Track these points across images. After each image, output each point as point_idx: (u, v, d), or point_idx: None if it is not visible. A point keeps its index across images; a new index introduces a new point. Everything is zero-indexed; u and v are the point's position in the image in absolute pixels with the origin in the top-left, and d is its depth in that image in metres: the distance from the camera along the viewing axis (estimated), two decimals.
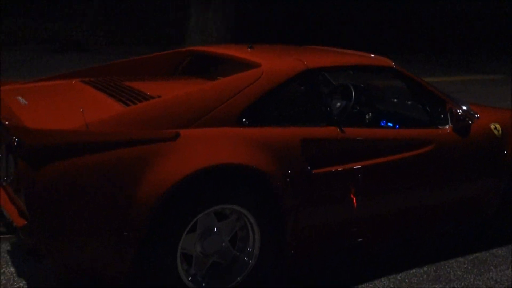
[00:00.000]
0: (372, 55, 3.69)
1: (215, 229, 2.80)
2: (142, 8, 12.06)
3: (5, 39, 10.36)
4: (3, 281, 2.95)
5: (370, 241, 3.40)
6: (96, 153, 2.47)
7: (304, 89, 3.37)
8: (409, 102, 4.01)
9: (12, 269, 3.08)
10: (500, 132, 3.78)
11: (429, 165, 3.43)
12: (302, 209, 2.97)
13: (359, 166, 3.13)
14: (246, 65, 3.23)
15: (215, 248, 2.82)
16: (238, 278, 2.87)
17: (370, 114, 3.89)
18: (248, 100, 2.94)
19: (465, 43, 16.30)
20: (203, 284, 2.80)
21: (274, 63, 3.24)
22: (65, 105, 3.09)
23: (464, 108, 3.72)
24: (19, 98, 3.12)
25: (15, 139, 2.37)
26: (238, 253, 2.90)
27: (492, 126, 3.78)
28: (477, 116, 3.79)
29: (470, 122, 3.62)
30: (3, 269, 3.06)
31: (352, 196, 3.14)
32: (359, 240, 3.33)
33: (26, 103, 3.06)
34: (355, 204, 3.15)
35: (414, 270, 3.34)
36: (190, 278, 2.76)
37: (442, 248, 3.70)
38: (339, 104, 3.86)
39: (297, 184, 2.92)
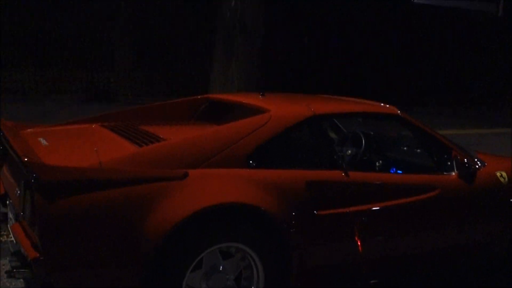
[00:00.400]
0: (379, 104, 3.82)
1: (221, 267, 2.90)
2: (174, 60, 12.46)
3: (39, 89, 10.78)
4: None
5: (382, 282, 3.44)
6: (107, 190, 2.62)
7: (312, 134, 3.49)
8: (418, 150, 4.10)
9: None
10: (506, 179, 3.84)
11: (434, 210, 3.49)
12: (307, 249, 3.05)
13: (363, 209, 3.21)
14: (257, 111, 3.39)
15: (220, 285, 2.90)
16: None
17: (380, 161, 3.99)
18: (256, 143, 3.08)
19: (474, 96, 16.37)
20: None
21: (282, 109, 3.41)
22: (83, 146, 3.28)
23: (470, 155, 3.81)
24: (41, 139, 3.32)
25: (32, 175, 2.54)
26: None
27: (498, 174, 3.84)
28: (484, 164, 3.86)
29: (475, 169, 3.69)
30: None
31: (356, 238, 3.22)
32: (372, 282, 3.38)
33: (47, 143, 3.25)
34: (360, 246, 3.22)
35: None
36: None
37: None
38: (349, 151, 3.98)
39: (302, 224, 3.01)
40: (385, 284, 3.51)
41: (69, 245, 2.56)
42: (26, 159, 2.64)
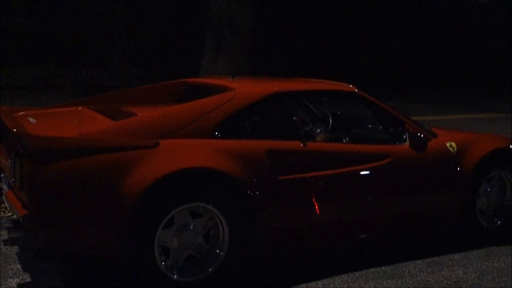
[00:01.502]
0: (338, 82, 4.20)
1: (191, 226, 3.29)
2: (168, 55, 12.76)
3: (38, 85, 11.14)
4: (12, 276, 3.47)
5: (334, 243, 3.83)
6: (87, 156, 3.02)
7: (274, 109, 3.88)
8: (380, 127, 4.48)
9: (19, 266, 3.59)
10: (456, 149, 4.22)
11: (386, 176, 3.88)
12: (268, 211, 3.44)
13: (320, 175, 3.60)
14: (224, 90, 3.78)
15: (189, 242, 3.29)
16: (210, 269, 3.33)
17: (346, 138, 4.36)
18: (221, 117, 3.48)
19: (466, 82, 16.64)
20: (178, 273, 3.26)
21: (246, 87, 3.81)
22: (67, 122, 3.67)
23: (423, 128, 4.19)
24: (31, 118, 3.71)
25: (21, 143, 2.94)
26: (210, 248, 3.37)
27: (448, 144, 4.22)
28: (436, 136, 4.25)
29: (426, 140, 4.08)
30: (11, 265, 3.59)
31: (314, 202, 3.60)
32: (324, 242, 3.78)
33: (36, 121, 3.65)
34: (317, 210, 3.61)
35: (372, 269, 3.74)
36: (167, 267, 3.23)
37: (402, 252, 4.09)
38: (318, 130, 4.36)
39: (263, 188, 3.40)
40: (341, 247, 3.91)
41: (54, 205, 2.96)
42: (15, 130, 3.03)
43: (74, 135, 3.12)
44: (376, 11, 16.15)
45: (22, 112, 4.01)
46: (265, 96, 3.71)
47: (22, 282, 3.40)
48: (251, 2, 9.84)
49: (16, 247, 3.86)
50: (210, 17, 9.90)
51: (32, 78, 11.37)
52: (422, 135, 4.04)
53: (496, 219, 4.45)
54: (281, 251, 3.68)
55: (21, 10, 11.32)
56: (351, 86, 4.15)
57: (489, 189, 4.40)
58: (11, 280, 3.41)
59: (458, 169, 4.18)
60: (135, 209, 3.04)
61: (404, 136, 4.06)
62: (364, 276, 3.64)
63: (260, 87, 3.80)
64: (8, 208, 3.43)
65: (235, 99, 3.59)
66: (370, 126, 4.38)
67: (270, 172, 3.45)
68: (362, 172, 3.78)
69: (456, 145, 4.25)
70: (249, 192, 3.34)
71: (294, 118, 4.30)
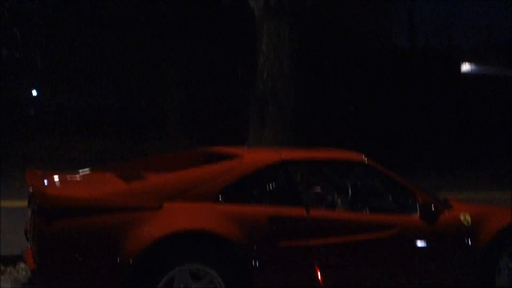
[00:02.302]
0: (347, 151, 4.32)
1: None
2: (220, 129, 13.24)
3: (97, 158, 11.78)
4: None
5: None
6: (92, 215, 3.26)
7: (280, 177, 4.01)
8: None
9: None
10: (470, 222, 4.17)
11: (392, 247, 3.88)
12: (268, 277, 3.52)
13: (321, 243, 3.67)
14: (233, 157, 3.98)
15: None
16: None
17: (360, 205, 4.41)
18: (226, 182, 3.66)
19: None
20: None
21: (254, 155, 4.00)
22: (86, 184, 3.94)
23: (435, 199, 4.20)
24: (56, 180, 4.02)
25: (35, 201, 3.22)
26: None
27: (462, 217, 4.18)
28: (450, 207, 4.23)
29: (437, 211, 4.07)
30: None
31: (315, 269, 3.65)
32: None
33: (59, 183, 3.95)
34: (318, 277, 3.65)
35: None
36: None
37: None
38: (339, 199, 4.44)
39: (263, 253, 3.50)
40: None
41: (60, 260, 3.18)
42: (31, 189, 3.33)
43: (84, 195, 3.37)
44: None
45: (51, 175, 4.32)
46: (271, 163, 3.88)
47: None
48: (295, 81, 10.19)
49: None
50: (256, 93, 10.32)
51: (91, 152, 12.06)
52: (433, 206, 4.04)
53: None
54: None
55: (76, 87, 12.19)
56: (361, 155, 4.24)
57: (511, 265, 4.28)
58: None
59: (473, 243, 4.12)
60: (134, 268, 3.21)
61: (415, 207, 4.07)
62: None
63: (267, 155, 3.98)
64: (25, 264, 3.68)
65: (241, 165, 3.78)
66: (380, 195, 4.42)
67: (272, 238, 3.56)
68: (365, 242, 3.80)
69: (471, 218, 4.20)
70: (249, 257, 3.45)
71: (317, 187, 4.41)
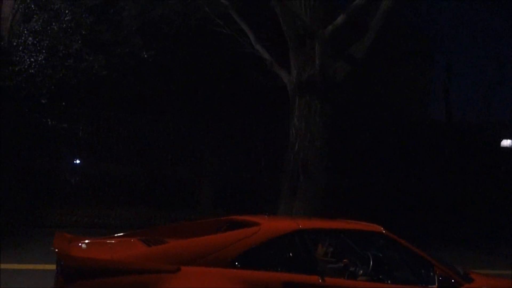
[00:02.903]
0: (364, 223, 4.40)
1: None
2: (251, 199, 13.41)
3: (131, 225, 12.06)
4: None
5: None
6: (113, 275, 3.41)
7: (297, 245, 4.10)
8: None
9: None
10: None
11: None
12: None
13: None
14: (252, 225, 4.12)
15: None
16: None
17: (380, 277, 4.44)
18: (243, 248, 3.79)
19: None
20: None
21: (272, 224, 4.12)
22: (111, 248, 4.10)
23: (455, 272, 4.19)
24: (83, 244, 4.21)
25: (59, 262, 3.41)
26: None
27: None
28: (470, 281, 4.22)
29: (456, 284, 4.06)
30: None
31: None
32: None
33: (85, 246, 4.13)
34: None
35: None
36: None
37: None
38: (361, 271, 4.49)
39: None
40: None
41: None
42: (57, 250, 3.52)
43: (105, 257, 3.54)
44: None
45: (80, 239, 4.52)
46: (288, 232, 4.00)
47: None
48: (327, 153, 10.37)
49: None
50: (287, 165, 10.50)
51: (124, 219, 12.35)
52: (451, 279, 4.05)
53: None
54: None
55: (116, 157, 12.67)
56: (379, 226, 4.32)
57: None
58: None
59: None
60: None
61: (434, 279, 4.08)
62: None
63: (285, 224, 4.10)
64: None
65: (259, 233, 3.91)
66: (399, 266, 4.43)
67: None
68: None
69: None
70: None
71: (344, 260, 4.46)
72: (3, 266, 6.81)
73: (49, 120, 11.35)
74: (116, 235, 4.84)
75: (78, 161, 13.43)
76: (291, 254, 4.10)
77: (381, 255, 4.42)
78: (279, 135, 12.19)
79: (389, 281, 4.14)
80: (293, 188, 10.37)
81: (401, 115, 17.35)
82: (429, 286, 4.06)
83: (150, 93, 12.82)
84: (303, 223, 4.11)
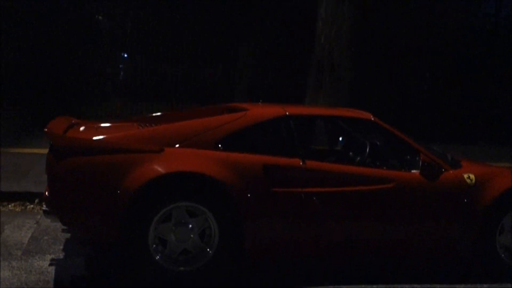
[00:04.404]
0: (354, 109, 4.45)
1: (188, 223, 3.75)
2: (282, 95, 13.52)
3: None
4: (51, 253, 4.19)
5: (323, 260, 4.06)
6: (99, 155, 3.66)
7: (283, 130, 4.20)
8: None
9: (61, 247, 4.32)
10: (473, 182, 4.20)
11: (386, 200, 4.01)
12: (259, 221, 3.79)
13: (313, 192, 3.88)
14: (240, 111, 4.25)
15: (185, 238, 3.74)
16: (199, 264, 3.75)
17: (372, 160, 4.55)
18: (226, 132, 3.94)
19: None
20: (172, 263, 3.72)
21: (259, 109, 4.23)
22: (107, 131, 4.32)
23: (439, 158, 4.25)
24: (82, 127, 4.45)
25: (49, 141, 3.66)
26: (204, 245, 3.79)
27: (466, 176, 4.22)
28: (458, 167, 4.28)
29: (438, 169, 4.14)
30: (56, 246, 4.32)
31: (306, 216, 3.87)
32: (314, 257, 4.04)
33: (83, 129, 4.38)
34: (308, 224, 3.88)
35: (364, 285, 3.88)
36: (165, 257, 3.70)
37: (406, 275, 4.15)
38: (358, 158, 4.61)
39: (256, 198, 3.77)
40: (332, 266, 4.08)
41: (67, 192, 3.63)
42: (46, 130, 3.76)
43: (92, 137, 3.77)
44: None
45: (80, 122, 4.72)
46: (274, 117, 4.12)
47: (55, 257, 4.11)
48: (355, 47, 10.19)
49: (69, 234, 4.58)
50: (313, 59, 10.42)
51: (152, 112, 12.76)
52: (433, 164, 4.12)
53: None
54: (268, 259, 3.98)
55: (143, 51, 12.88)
56: (368, 113, 4.36)
57: None
58: (48, 255, 4.14)
59: (475, 202, 4.16)
60: (133, 200, 3.59)
61: (417, 164, 4.16)
62: None
63: (272, 110, 4.20)
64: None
65: (243, 118, 4.05)
66: (383, 152, 4.51)
67: (264, 184, 3.81)
68: (358, 193, 3.96)
69: (476, 177, 4.23)
70: (240, 199, 3.73)
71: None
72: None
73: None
74: (121, 120, 5.09)
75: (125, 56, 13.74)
76: (275, 139, 4.22)
77: (363, 141, 4.50)
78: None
79: (370, 166, 4.24)
80: (318, 83, 10.37)
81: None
82: (412, 171, 4.15)
83: None
84: (290, 109, 4.20)
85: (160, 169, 3.65)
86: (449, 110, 14.56)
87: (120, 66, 13.89)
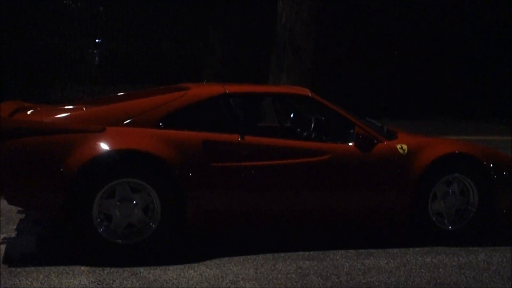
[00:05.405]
0: (291, 86, 4.65)
1: (131, 199, 3.93)
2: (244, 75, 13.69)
3: None
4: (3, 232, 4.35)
5: (262, 229, 4.30)
6: (43, 135, 3.81)
7: (223, 108, 4.39)
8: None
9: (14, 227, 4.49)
10: (406, 151, 4.44)
11: (322, 172, 4.24)
12: (200, 194, 4.00)
13: (252, 165, 4.09)
14: (181, 90, 4.42)
15: (129, 213, 3.93)
16: (144, 237, 3.94)
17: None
18: (167, 111, 4.13)
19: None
20: (117, 236, 3.91)
21: (199, 88, 4.42)
22: (54, 112, 4.43)
23: (373, 130, 4.48)
24: (30, 110, 4.58)
25: None
26: (148, 220, 3.98)
27: (399, 146, 4.46)
28: (392, 138, 4.52)
29: (371, 140, 4.37)
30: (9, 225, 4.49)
31: (244, 188, 4.09)
32: (252, 227, 4.27)
33: (32, 112, 4.51)
34: (246, 196, 4.10)
35: (299, 252, 4.11)
36: (107, 231, 3.89)
37: (339, 241, 4.39)
38: (304, 133, 4.81)
39: (196, 173, 3.97)
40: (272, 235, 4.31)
41: (13, 171, 3.78)
42: None
43: (35, 119, 3.93)
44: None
45: (32, 106, 4.84)
46: (214, 96, 4.31)
47: (6, 236, 4.27)
48: (316, 26, 10.37)
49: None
50: (275, 40, 10.60)
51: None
52: (367, 136, 4.35)
53: (458, 222, 4.56)
54: (209, 230, 4.21)
55: (116, 33, 12.94)
56: (306, 90, 4.57)
57: (450, 192, 4.53)
58: (0, 235, 4.31)
59: (407, 170, 4.40)
60: (76, 178, 3.76)
61: (353, 137, 4.38)
62: (286, 257, 4.03)
63: (212, 89, 4.39)
64: None
65: (184, 97, 4.23)
66: (321, 126, 4.74)
67: (204, 160, 4.01)
68: (295, 166, 4.18)
69: (408, 148, 4.46)
70: (181, 175, 3.93)
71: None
72: None
73: None
74: (74, 102, 5.22)
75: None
76: (215, 117, 4.41)
77: (300, 116, 4.70)
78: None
79: (307, 139, 4.46)
80: (280, 63, 10.56)
81: None
82: (348, 143, 4.37)
83: None
84: (230, 88, 4.39)
85: (101, 147, 3.83)
86: (412, 89, 14.88)
87: (90, 50, 13.96)
